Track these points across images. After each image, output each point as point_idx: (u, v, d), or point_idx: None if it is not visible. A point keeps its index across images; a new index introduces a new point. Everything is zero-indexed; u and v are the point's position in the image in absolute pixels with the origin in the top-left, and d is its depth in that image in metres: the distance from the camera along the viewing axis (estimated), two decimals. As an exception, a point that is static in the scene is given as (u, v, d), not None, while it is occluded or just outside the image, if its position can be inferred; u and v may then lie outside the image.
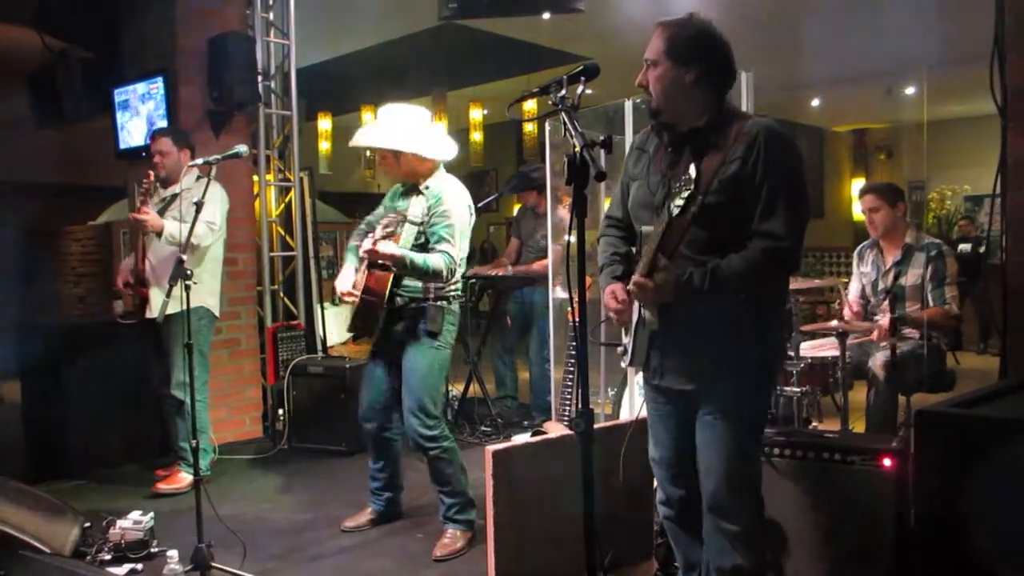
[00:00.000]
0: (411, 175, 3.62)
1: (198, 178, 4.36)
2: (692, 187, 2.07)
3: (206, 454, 4.53)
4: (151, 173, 4.37)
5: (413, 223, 3.54)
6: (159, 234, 4.24)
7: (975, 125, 10.04)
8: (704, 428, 2.32)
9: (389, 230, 3.42)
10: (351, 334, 3.98)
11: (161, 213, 4.37)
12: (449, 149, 3.67)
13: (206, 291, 4.47)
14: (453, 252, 3.49)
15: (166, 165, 4.48)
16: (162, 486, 4.42)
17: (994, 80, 2.89)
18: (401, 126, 3.58)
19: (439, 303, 3.57)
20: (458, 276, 3.63)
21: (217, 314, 4.64)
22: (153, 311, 4.34)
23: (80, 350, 4.85)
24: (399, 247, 3.43)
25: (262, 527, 3.94)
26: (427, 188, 3.59)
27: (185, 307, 3.25)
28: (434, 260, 3.43)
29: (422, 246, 3.51)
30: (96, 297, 8.99)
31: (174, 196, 4.41)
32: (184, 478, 4.43)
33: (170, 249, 4.23)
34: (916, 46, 8.44)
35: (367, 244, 3.42)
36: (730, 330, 2.26)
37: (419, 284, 3.56)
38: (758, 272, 2.21)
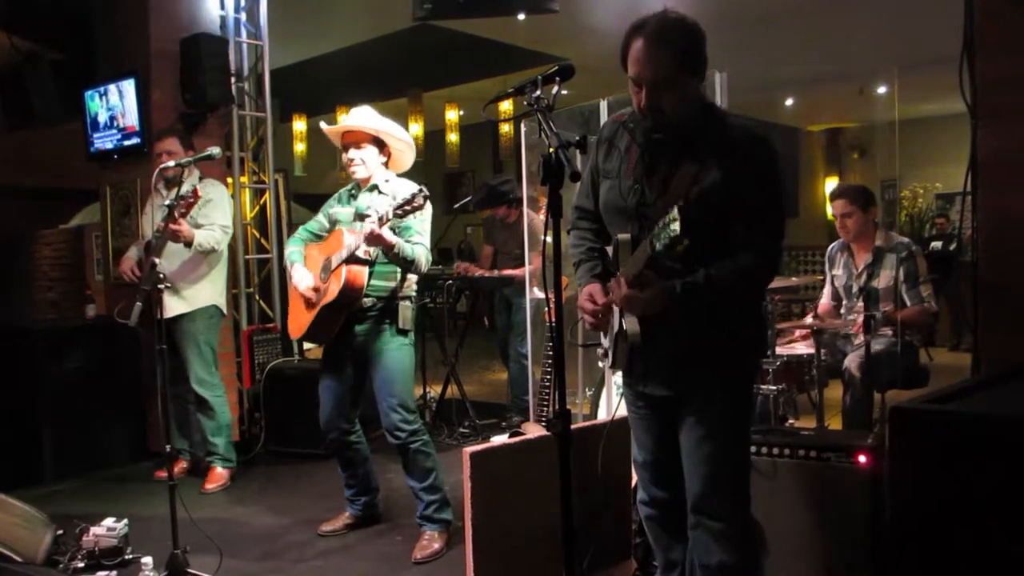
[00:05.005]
0: (376, 171, 3.65)
1: (201, 179, 4.51)
2: (678, 229, 1.89)
3: (231, 447, 4.74)
4: (189, 200, 4.04)
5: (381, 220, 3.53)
6: (189, 244, 4.27)
7: (946, 124, 10.16)
8: (688, 431, 2.29)
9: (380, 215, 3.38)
10: (308, 343, 4.00)
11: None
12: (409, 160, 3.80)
13: (216, 290, 4.62)
14: (428, 244, 3.57)
15: None
16: (209, 486, 4.56)
17: (964, 79, 2.92)
18: (384, 121, 3.66)
19: (405, 302, 3.65)
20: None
21: (225, 311, 4.74)
22: (165, 313, 4.36)
23: (53, 355, 4.81)
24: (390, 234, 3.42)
25: (239, 532, 3.91)
26: (387, 183, 3.64)
27: (161, 313, 3.25)
28: (417, 251, 3.49)
29: None
30: (69, 301, 8.86)
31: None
32: (221, 474, 4.62)
33: (181, 253, 4.35)
34: (888, 46, 8.55)
35: (369, 226, 3.29)
36: (711, 335, 2.24)
37: (387, 284, 3.59)
38: (750, 282, 2.25)
